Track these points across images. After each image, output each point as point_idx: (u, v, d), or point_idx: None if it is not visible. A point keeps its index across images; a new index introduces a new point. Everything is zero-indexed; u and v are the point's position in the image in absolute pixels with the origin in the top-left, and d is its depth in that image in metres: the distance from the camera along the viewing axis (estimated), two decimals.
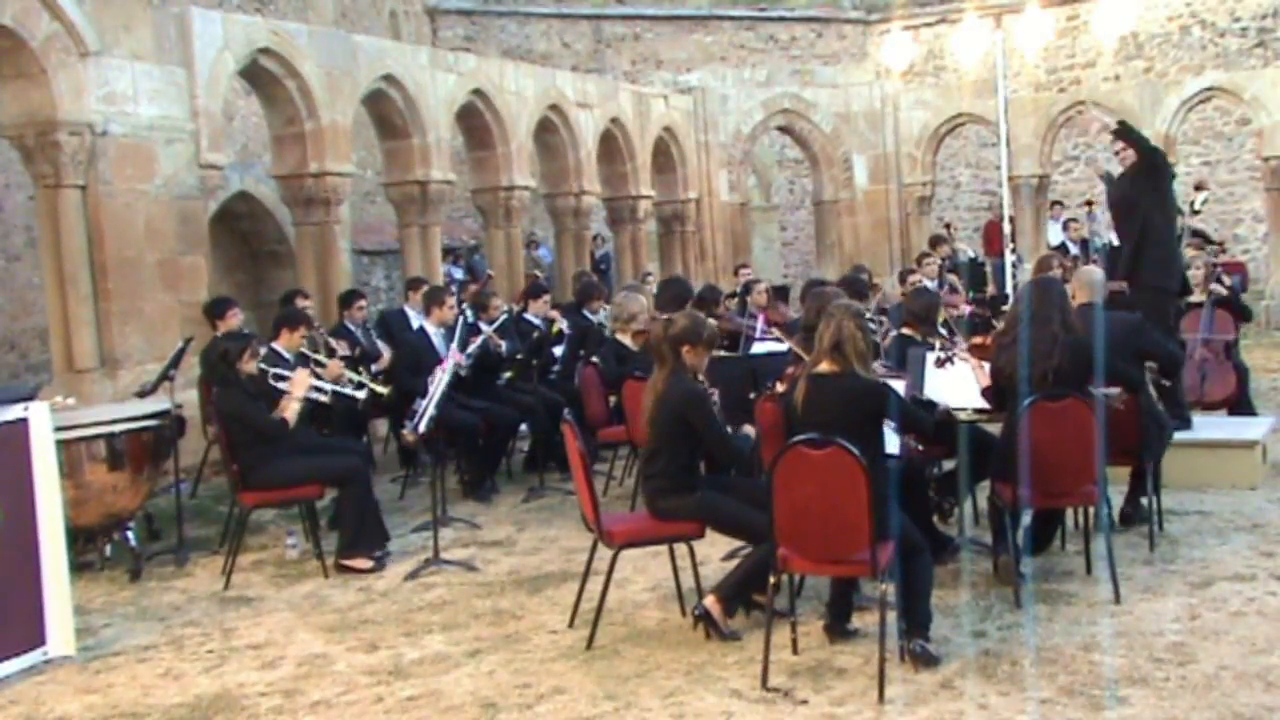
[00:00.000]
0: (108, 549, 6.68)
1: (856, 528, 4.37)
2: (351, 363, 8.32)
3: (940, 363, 5.86)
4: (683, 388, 5.02)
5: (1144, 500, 6.33)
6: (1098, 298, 6.21)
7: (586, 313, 9.92)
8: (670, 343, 5.03)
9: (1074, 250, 14.69)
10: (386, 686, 4.69)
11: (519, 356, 8.79)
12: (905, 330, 6.79)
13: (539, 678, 4.68)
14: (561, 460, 8.25)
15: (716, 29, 22.19)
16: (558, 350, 9.27)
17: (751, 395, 6.02)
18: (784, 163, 22.39)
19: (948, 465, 6.31)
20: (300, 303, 9.00)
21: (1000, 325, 5.99)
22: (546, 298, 9.94)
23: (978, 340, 6.09)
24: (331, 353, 8.07)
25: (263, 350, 7.04)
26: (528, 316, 9.62)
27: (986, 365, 5.68)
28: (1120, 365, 5.71)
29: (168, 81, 9.02)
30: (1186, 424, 7.37)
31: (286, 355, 7.39)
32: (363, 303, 9.64)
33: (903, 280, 11.03)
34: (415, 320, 9.51)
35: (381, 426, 9.80)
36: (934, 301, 7.18)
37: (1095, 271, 6.57)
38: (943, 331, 7.22)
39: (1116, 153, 7.84)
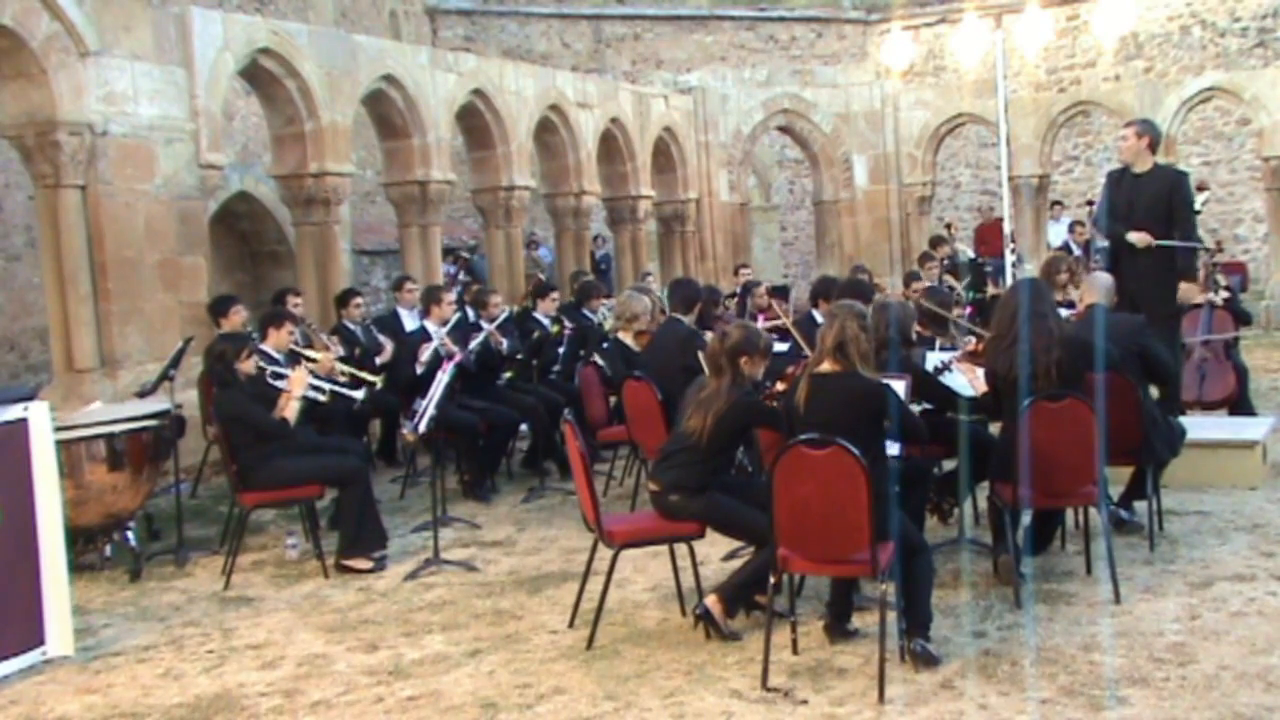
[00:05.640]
0: (108, 549, 6.67)
1: (857, 528, 4.37)
2: (350, 359, 8.33)
3: (939, 370, 5.87)
4: (748, 403, 5.11)
5: (1137, 504, 6.32)
6: (1105, 300, 6.24)
7: (586, 312, 9.93)
8: (728, 355, 5.08)
9: (1077, 251, 14.69)
10: (386, 686, 4.69)
11: (519, 356, 8.79)
12: (916, 328, 6.79)
13: (539, 678, 4.68)
14: (561, 460, 8.28)
15: (716, 29, 22.19)
16: (558, 351, 9.26)
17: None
18: (784, 163, 22.39)
19: (948, 465, 6.31)
20: (291, 300, 9.00)
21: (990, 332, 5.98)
22: (554, 295, 9.96)
23: (972, 346, 6.09)
24: (325, 347, 8.08)
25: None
26: (536, 315, 9.63)
27: (980, 372, 5.68)
28: (1116, 351, 5.73)
29: (168, 81, 9.01)
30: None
31: (277, 355, 7.38)
32: (359, 300, 9.65)
33: (907, 284, 11.03)
34: (407, 320, 9.52)
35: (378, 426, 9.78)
36: (946, 301, 7.20)
37: (1106, 277, 6.59)
38: (953, 331, 7.22)
39: (1120, 152, 7.78)
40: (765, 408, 5.24)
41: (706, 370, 5.27)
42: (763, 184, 21.59)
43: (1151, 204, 7.47)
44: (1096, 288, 6.35)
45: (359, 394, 7.36)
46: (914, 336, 6.35)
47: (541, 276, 13.51)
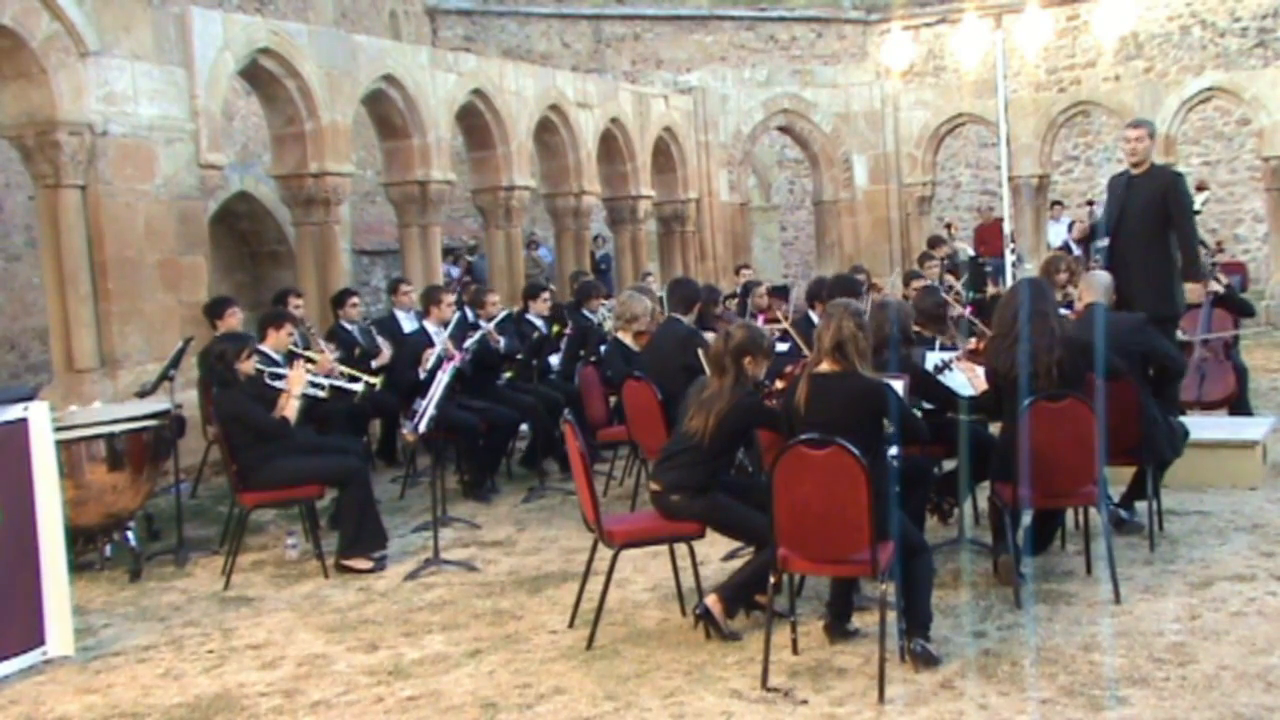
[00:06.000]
0: (108, 549, 6.67)
1: (857, 528, 4.37)
2: (349, 359, 8.33)
3: (939, 369, 5.87)
4: (750, 404, 5.10)
5: (1137, 504, 6.32)
6: (1104, 299, 6.24)
7: (586, 312, 9.92)
8: (733, 354, 5.07)
9: (1076, 251, 14.70)
10: (386, 686, 4.69)
11: (519, 356, 8.78)
12: (914, 328, 6.79)
13: (539, 678, 4.68)
14: (562, 458, 8.28)
15: (716, 29, 22.22)
16: (554, 359, 9.24)
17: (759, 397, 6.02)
18: (784, 163, 22.41)
19: (948, 465, 6.31)
20: (293, 302, 8.98)
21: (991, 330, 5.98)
22: (546, 296, 9.93)
23: (973, 345, 6.09)
24: (320, 351, 8.08)
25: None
26: (529, 317, 9.62)
27: (981, 371, 5.68)
28: (1121, 361, 5.73)
29: (168, 81, 9.02)
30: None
31: (276, 356, 7.38)
32: (355, 300, 9.59)
33: (907, 283, 11.03)
34: (405, 322, 9.50)
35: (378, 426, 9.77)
36: (943, 300, 7.19)
37: (1104, 276, 6.60)
38: (952, 329, 7.21)
39: (1130, 150, 7.73)
40: (767, 409, 5.24)
41: (708, 370, 5.27)
42: (763, 184, 21.60)
43: (1146, 205, 7.46)
44: (1095, 286, 6.35)
45: (357, 387, 7.39)
46: (913, 335, 6.34)
47: (551, 287, 13.48)
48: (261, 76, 10.22)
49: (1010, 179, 12.87)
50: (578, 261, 14.07)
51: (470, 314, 9.32)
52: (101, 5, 8.49)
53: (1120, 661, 4.50)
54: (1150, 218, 7.45)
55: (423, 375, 7.74)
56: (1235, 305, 9.16)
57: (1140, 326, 6.30)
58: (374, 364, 8.73)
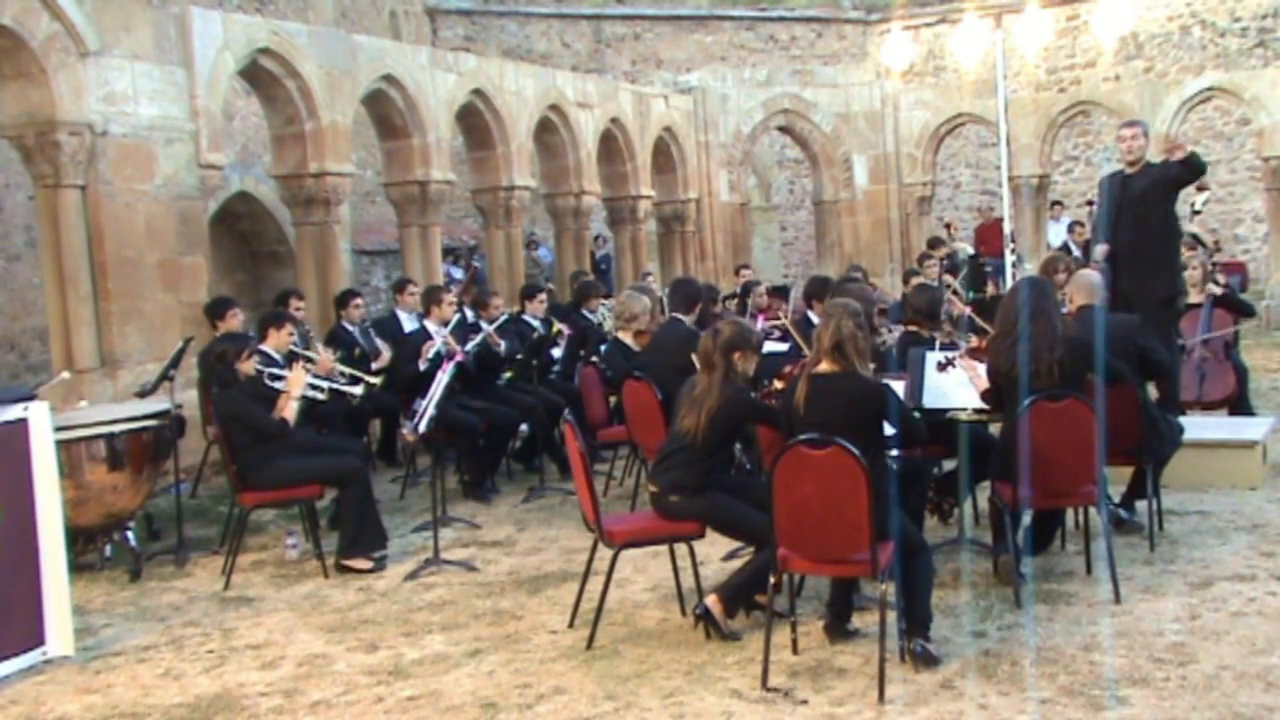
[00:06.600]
0: (108, 549, 6.68)
1: (856, 528, 4.37)
2: (349, 360, 8.33)
3: (941, 367, 5.87)
4: (741, 399, 5.11)
5: (1137, 503, 6.32)
6: (1096, 300, 6.22)
7: (585, 312, 9.92)
8: (723, 350, 5.07)
9: (1076, 252, 14.68)
10: (386, 686, 4.69)
11: (519, 357, 8.79)
12: (910, 327, 6.80)
13: (539, 678, 4.68)
14: (561, 459, 8.28)
15: (716, 29, 22.21)
16: (556, 352, 9.24)
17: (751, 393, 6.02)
18: (784, 163, 22.41)
19: (948, 465, 6.30)
20: (294, 304, 8.96)
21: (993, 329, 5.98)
22: (542, 297, 9.92)
23: (975, 343, 6.08)
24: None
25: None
26: (525, 318, 9.62)
27: (983, 369, 5.68)
28: (1120, 363, 5.73)
29: (168, 81, 9.01)
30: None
31: (276, 356, 7.38)
32: (359, 301, 9.57)
33: (906, 281, 11.03)
34: (406, 322, 9.50)
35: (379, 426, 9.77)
36: (937, 296, 7.19)
37: (1093, 275, 6.58)
38: (948, 328, 7.21)
39: (1128, 149, 7.73)
40: (758, 403, 5.24)
41: (698, 367, 5.27)
42: (763, 184, 21.59)
43: (1145, 193, 7.48)
44: (1085, 288, 6.30)
45: (357, 389, 7.39)
46: (876, 325, 6.33)
47: (550, 287, 13.45)
48: (261, 76, 10.21)
49: (1010, 179, 12.87)
50: (578, 261, 14.06)
51: (471, 315, 9.32)
52: (101, 5, 8.49)
53: (1120, 661, 4.50)
54: (1151, 203, 7.48)
55: (423, 367, 7.73)
56: (1235, 305, 9.16)
57: (1135, 328, 6.30)
58: (374, 365, 8.73)
